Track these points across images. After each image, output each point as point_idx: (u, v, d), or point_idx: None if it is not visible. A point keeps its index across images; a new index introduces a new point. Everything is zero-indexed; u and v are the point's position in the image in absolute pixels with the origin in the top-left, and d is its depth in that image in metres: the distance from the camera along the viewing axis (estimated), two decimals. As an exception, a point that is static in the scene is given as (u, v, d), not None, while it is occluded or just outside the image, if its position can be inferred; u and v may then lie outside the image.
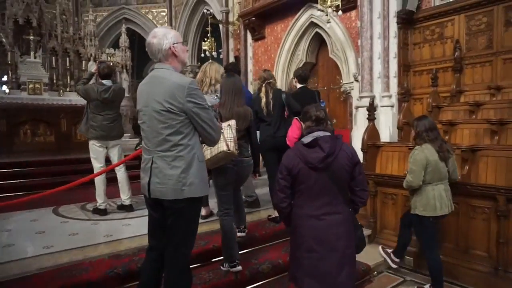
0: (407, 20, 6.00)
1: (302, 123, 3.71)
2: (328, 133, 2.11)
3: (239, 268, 2.71)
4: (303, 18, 8.02)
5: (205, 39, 9.55)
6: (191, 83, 1.85)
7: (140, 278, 2.11)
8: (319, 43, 8.41)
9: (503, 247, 3.04)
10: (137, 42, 14.15)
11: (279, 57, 8.72)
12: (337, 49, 7.46)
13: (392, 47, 6.03)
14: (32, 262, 2.71)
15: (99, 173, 3.78)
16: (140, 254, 2.78)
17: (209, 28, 9.53)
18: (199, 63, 12.72)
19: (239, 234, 3.04)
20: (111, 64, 9.53)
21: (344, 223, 2.04)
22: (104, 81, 4.08)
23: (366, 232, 3.79)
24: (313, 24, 7.96)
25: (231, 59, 9.85)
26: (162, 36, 1.89)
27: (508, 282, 2.95)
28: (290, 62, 8.67)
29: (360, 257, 3.35)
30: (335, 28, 7.27)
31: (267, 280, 2.86)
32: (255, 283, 2.86)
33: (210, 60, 4.17)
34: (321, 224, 2.00)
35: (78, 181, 3.30)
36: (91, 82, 4.24)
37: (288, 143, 3.47)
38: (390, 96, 6.09)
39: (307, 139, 2.07)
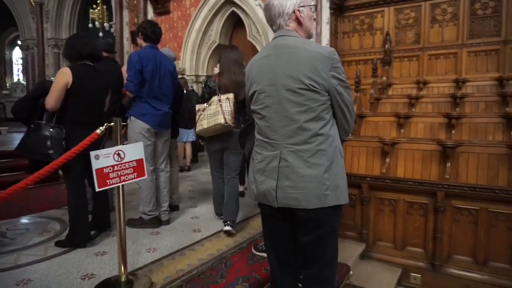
0: (339, 7, 5.76)
1: None
2: None
3: (229, 228, 2.79)
4: (218, -7, 7.11)
5: (94, 6, 7.66)
6: (334, 53, 1.42)
7: None
8: (234, 23, 7.65)
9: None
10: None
11: (188, 37, 7.64)
12: (257, 31, 6.85)
13: (324, 34, 5.70)
14: None
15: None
16: None
17: (97, -7, 7.70)
18: (79, 37, 10.38)
19: (226, 228, 2.81)
20: None
21: None
22: None
23: (358, 247, 3.29)
24: (229, 2, 7.14)
25: (126, 34, 8.22)
26: None
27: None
28: (201, 43, 7.70)
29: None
30: (255, 9, 6.63)
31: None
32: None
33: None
34: None
35: None
36: None
37: None
38: (322, 86, 5.77)
39: None
